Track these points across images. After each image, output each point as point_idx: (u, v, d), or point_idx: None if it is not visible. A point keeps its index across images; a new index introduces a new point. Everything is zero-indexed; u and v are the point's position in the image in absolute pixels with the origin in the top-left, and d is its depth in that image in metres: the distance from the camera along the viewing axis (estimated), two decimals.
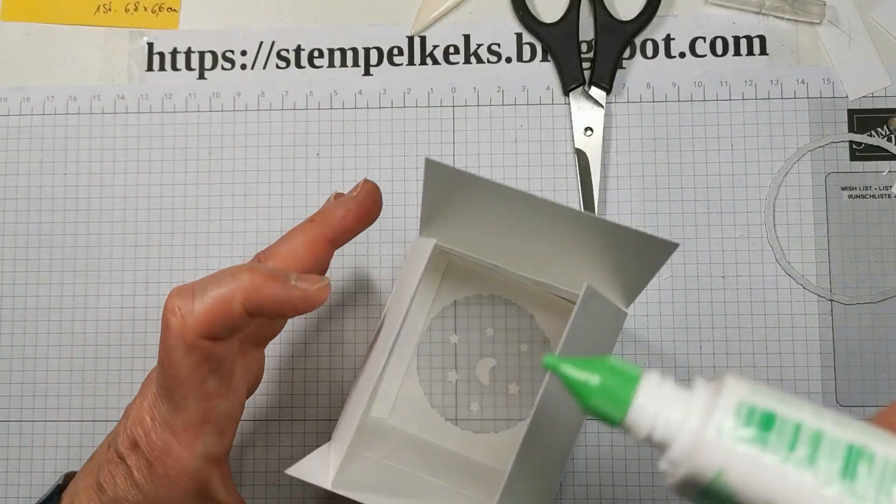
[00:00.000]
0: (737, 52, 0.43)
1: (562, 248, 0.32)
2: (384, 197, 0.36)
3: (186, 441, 0.30)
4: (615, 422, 0.22)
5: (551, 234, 0.31)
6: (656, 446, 0.22)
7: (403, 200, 0.43)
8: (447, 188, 0.31)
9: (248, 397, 0.35)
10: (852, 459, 0.20)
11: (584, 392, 0.22)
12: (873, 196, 0.42)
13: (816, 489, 0.20)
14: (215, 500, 0.32)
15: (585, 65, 0.43)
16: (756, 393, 0.21)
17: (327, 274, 0.34)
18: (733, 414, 0.21)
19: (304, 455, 0.34)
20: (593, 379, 0.22)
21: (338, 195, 0.35)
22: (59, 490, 0.35)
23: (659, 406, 0.22)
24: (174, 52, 0.45)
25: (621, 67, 0.44)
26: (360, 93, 0.44)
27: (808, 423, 0.21)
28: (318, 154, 0.44)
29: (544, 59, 0.44)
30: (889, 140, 0.42)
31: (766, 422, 0.21)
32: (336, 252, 0.34)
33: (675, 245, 0.29)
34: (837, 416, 0.21)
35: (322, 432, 0.42)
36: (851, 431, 0.20)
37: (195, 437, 0.30)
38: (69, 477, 0.36)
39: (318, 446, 0.35)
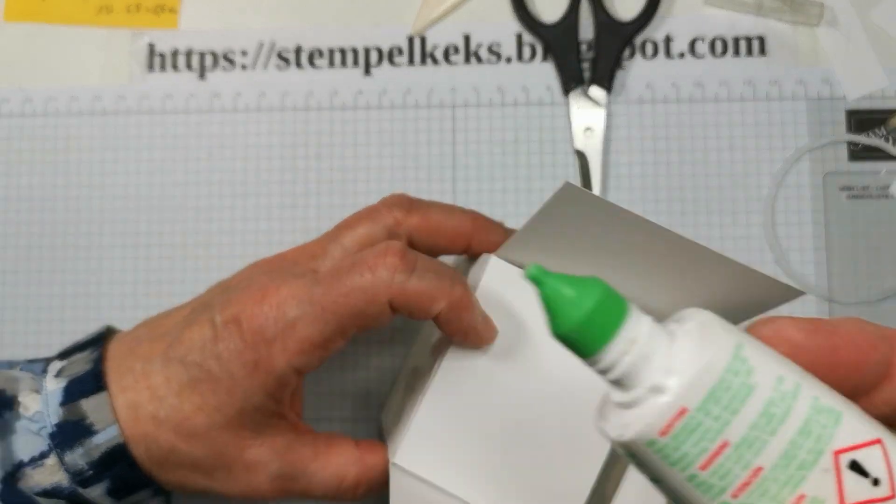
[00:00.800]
0: (736, 53, 0.44)
1: (674, 280, 0.30)
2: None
3: (294, 348, 0.30)
4: (588, 353, 0.20)
5: (667, 266, 0.30)
6: (619, 385, 0.20)
7: None
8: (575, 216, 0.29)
9: None
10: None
11: (567, 315, 0.19)
12: (872, 196, 0.42)
13: None
14: (280, 402, 0.32)
15: (585, 65, 0.44)
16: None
17: None
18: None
19: None
20: (587, 302, 0.19)
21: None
22: (104, 336, 0.34)
23: (642, 347, 0.19)
24: (175, 53, 0.45)
25: (621, 68, 0.44)
26: (360, 93, 0.44)
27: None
28: (318, 154, 0.44)
29: (544, 59, 0.44)
30: (887, 140, 0.42)
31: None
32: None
33: (800, 293, 0.29)
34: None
35: None
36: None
37: (303, 352, 0.30)
38: (111, 331, 0.35)
39: None
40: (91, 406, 0.31)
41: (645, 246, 0.29)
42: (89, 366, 0.32)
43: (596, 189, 0.42)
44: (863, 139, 0.42)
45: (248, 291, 0.31)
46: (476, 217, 0.35)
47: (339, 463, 0.32)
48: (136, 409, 0.31)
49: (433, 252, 0.34)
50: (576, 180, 0.43)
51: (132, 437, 0.31)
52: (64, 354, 0.34)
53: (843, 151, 0.42)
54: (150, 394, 0.31)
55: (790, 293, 0.28)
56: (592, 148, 0.43)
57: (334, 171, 0.44)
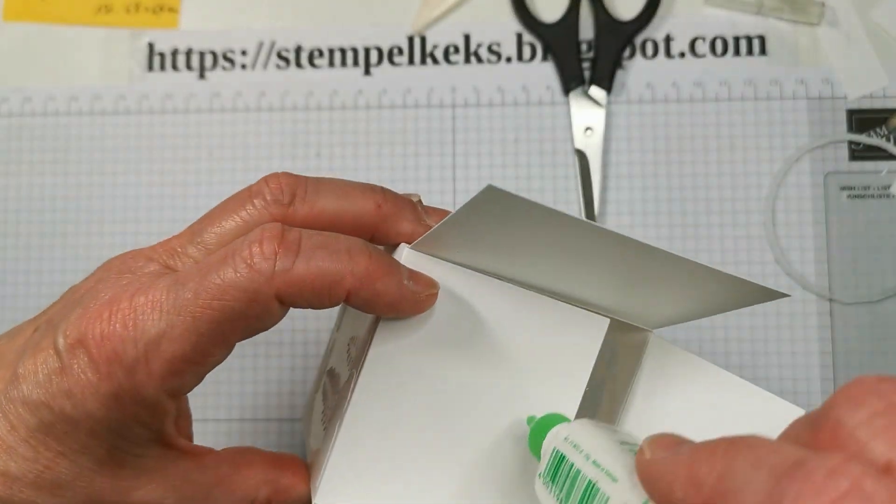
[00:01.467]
0: (736, 53, 0.44)
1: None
2: None
3: (161, 371, 0.24)
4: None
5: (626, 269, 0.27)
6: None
7: None
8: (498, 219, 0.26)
9: None
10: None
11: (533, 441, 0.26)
12: (872, 196, 0.42)
13: None
14: (160, 431, 0.27)
15: (585, 65, 0.43)
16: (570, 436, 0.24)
17: None
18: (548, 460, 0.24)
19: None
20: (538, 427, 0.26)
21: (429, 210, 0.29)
22: None
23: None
24: (174, 53, 0.45)
25: (621, 67, 0.44)
26: (360, 93, 0.44)
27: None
28: (318, 154, 0.44)
29: (544, 59, 0.44)
30: (888, 140, 0.42)
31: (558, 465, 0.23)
32: None
33: (784, 296, 0.26)
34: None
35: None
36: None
37: (174, 373, 0.25)
38: None
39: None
40: None
41: (581, 246, 0.26)
42: None
43: (596, 189, 0.42)
44: (863, 139, 0.42)
45: (95, 304, 0.25)
46: (382, 200, 0.28)
47: (247, 486, 0.28)
48: None
49: (363, 308, 0.27)
50: (576, 180, 0.43)
51: None
52: None
53: (844, 151, 0.42)
54: None
55: (772, 296, 0.26)
56: (592, 148, 0.43)
57: (334, 171, 0.44)
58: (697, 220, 0.42)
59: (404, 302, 0.26)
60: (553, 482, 0.23)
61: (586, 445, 0.23)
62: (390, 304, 0.25)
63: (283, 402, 0.42)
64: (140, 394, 0.24)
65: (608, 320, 0.28)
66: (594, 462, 0.22)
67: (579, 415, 0.28)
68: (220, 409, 0.42)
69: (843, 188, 0.42)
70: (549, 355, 0.28)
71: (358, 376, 0.27)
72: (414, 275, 0.26)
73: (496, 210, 0.25)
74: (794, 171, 0.42)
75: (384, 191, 0.29)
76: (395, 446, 0.27)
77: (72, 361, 0.24)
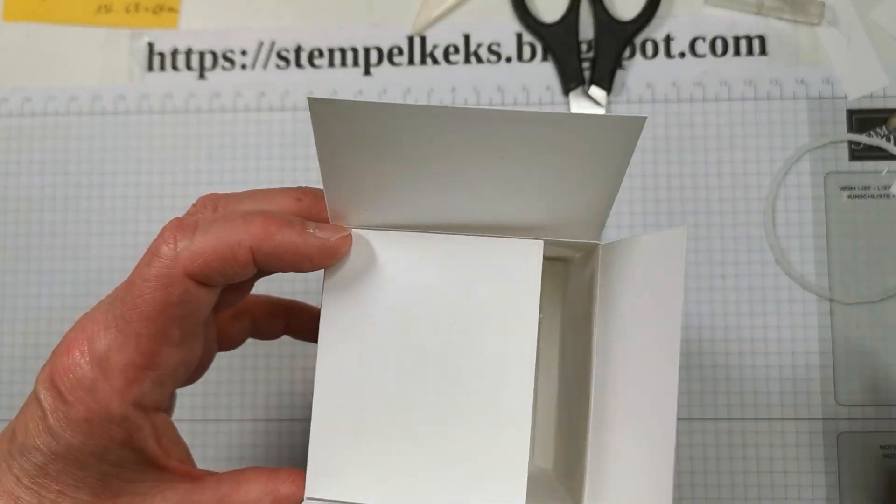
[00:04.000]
0: (736, 53, 0.44)
1: (510, 178, 0.26)
2: None
3: (119, 384, 0.26)
4: None
5: (492, 160, 0.26)
6: None
7: None
8: (348, 139, 0.25)
9: (188, 380, 0.31)
10: None
11: None
12: (872, 196, 0.42)
13: None
14: (143, 451, 0.28)
15: (585, 65, 0.43)
16: None
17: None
18: None
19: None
20: None
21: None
22: None
23: None
24: (174, 53, 0.45)
25: (621, 67, 0.44)
26: (360, 93, 0.44)
27: None
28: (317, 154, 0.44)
29: (544, 59, 0.44)
30: (888, 140, 0.42)
31: None
32: None
33: (643, 119, 0.24)
34: None
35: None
36: None
37: (131, 382, 0.26)
38: None
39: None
40: None
41: (441, 136, 0.25)
42: None
43: None
44: (863, 139, 0.42)
45: (60, 345, 0.27)
46: (301, 195, 0.29)
47: (248, 500, 0.29)
48: None
49: (279, 267, 0.28)
50: None
51: None
52: None
53: (844, 151, 0.42)
54: (6, 500, 0.27)
55: (636, 123, 0.24)
56: None
57: None
58: (697, 220, 0.42)
59: (313, 249, 0.27)
60: None
61: None
62: (298, 253, 0.26)
63: (283, 403, 0.42)
64: (107, 411, 0.26)
65: (541, 241, 0.28)
66: None
67: (540, 347, 0.28)
68: (221, 409, 0.42)
69: (843, 188, 0.42)
70: (494, 296, 0.28)
71: (316, 360, 0.28)
72: (321, 225, 0.27)
73: (352, 134, 0.25)
74: (794, 171, 0.42)
75: (304, 187, 0.30)
76: (366, 420, 0.28)
77: (47, 402, 0.26)
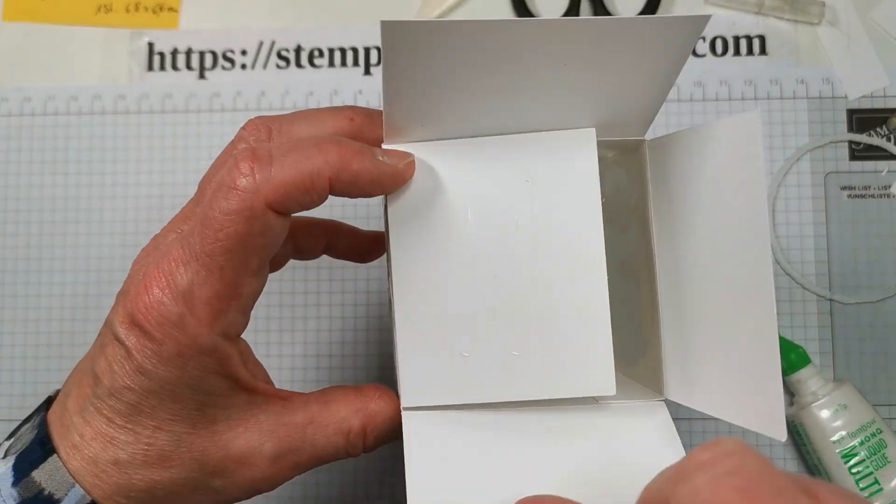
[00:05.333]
0: (737, 52, 0.44)
1: (563, 83, 0.27)
2: None
3: (205, 316, 0.26)
4: None
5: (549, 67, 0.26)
6: None
7: None
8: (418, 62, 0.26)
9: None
10: None
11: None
12: (873, 196, 0.42)
13: None
14: (235, 377, 0.28)
15: None
16: None
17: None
18: None
19: None
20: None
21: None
22: (48, 401, 0.30)
23: None
24: (174, 52, 0.45)
25: None
26: (361, 92, 0.44)
27: None
28: None
29: None
30: (888, 140, 0.42)
31: None
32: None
33: (706, 17, 0.25)
34: None
35: None
36: None
37: (217, 313, 0.26)
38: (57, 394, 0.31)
39: None
40: (44, 475, 0.27)
41: (514, 50, 0.25)
42: (34, 434, 0.29)
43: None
44: (864, 138, 0.42)
45: (134, 285, 0.27)
46: (353, 114, 0.30)
47: (338, 418, 0.29)
48: (94, 463, 0.27)
49: (352, 194, 0.29)
50: None
51: (103, 494, 0.27)
52: (12, 433, 0.30)
53: (844, 151, 0.42)
54: (101, 442, 0.27)
55: (699, 22, 0.25)
56: None
57: None
58: None
59: (385, 176, 0.27)
60: None
61: None
62: (372, 180, 0.27)
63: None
64: (198, 343, 0.26)
65: (593, 128, 0.28)
66: None
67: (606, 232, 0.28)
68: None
69: (843, 188, 0.42)
70: (556, 189, 0.28)
71: (390, 278, 0.28)
72: (387, 151, 0.28)
73: (420, 53, 0.26)
74: (795, 170, 0.42)
75: (353, 106, 0.31)
76: (450, 327, 0.28)
77: (132, 342, 0.26)
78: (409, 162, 0.28)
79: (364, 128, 0.30)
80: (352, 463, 0.41)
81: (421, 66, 0.26)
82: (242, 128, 0.29)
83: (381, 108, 0.29)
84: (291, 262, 0.36)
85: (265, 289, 0.30)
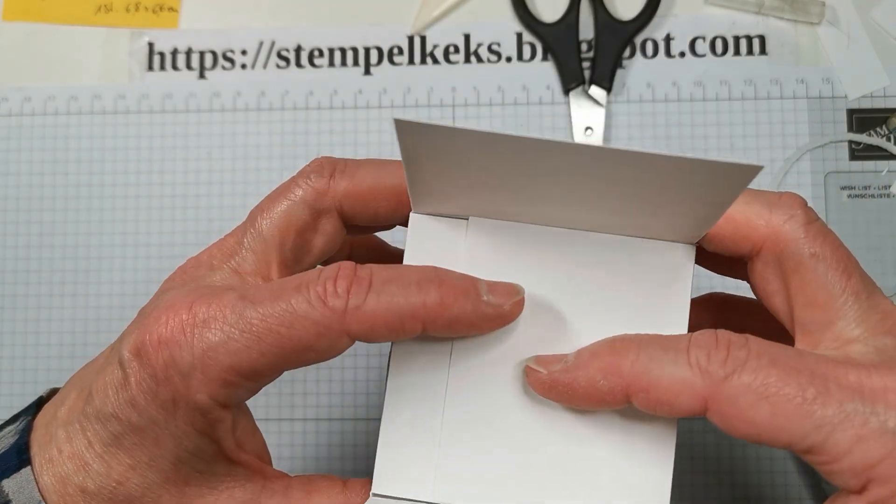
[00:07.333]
0: (737, 52, 0.44)
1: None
2: None
3: (215, 380, 0.24)
4: None
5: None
6: None
7: None
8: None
9: None
10: None
11: None
12: (873, 196, 0.42)
13: None
14: (220, 442, 0.27)
15: (585, 64, 0.43)
16: None
17: None
18: None
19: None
20: None
21: None
22: (39, 403, 0.29)
23: None
24: (174, 52, 0.45)
25: (621, 67, 0.44)
26: (360, 92, 0.44)
27: None
28: (318, 153, 0.44)
29: (544, 59, 0.44)
30: (888, 140, 0.42)
31: None
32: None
33: (758, 168, 0.22)
34: None
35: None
36: None
37: (227, 384, 0.25)
38: (54, 392, 0.30)
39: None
40: (14, 486, 0.26)
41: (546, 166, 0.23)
42: (14, 439, 0.27)
43: None
44: (864, 138, 0.42)
45: (155, 314, 0.25)
46: None
47: None
48: (64, 484, 0.26)
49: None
50: None
51: None
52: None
53: (844, 151, 0.42)
54: (75, 463, 0.26)
55: (749, 171, 0.22)
56: None
57: None
58: None
59: (486, 319, 0.25)
60: None
61: None
62: (470, 325, 0.25)
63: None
64: (193, 399, 0.25)
65: (693, 246, 0.26)
66: None
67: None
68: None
69: (843, 188, 0.42)
70: (637, 297, 0.26)
71: (389, 360, 0.27)
72: (493, 287, 0.25)
73: (433, 145, 0.23)
74: (795, 170, 0.42)
75: None
76: (440, 422, 0.26)
77: (133, 371, 0.25)
78: (516, 301, 0.25)
79: None
80: None
81: (441, 171, 0.24)
82: (308, 164, 0.29)
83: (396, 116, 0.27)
84: None
85: None
